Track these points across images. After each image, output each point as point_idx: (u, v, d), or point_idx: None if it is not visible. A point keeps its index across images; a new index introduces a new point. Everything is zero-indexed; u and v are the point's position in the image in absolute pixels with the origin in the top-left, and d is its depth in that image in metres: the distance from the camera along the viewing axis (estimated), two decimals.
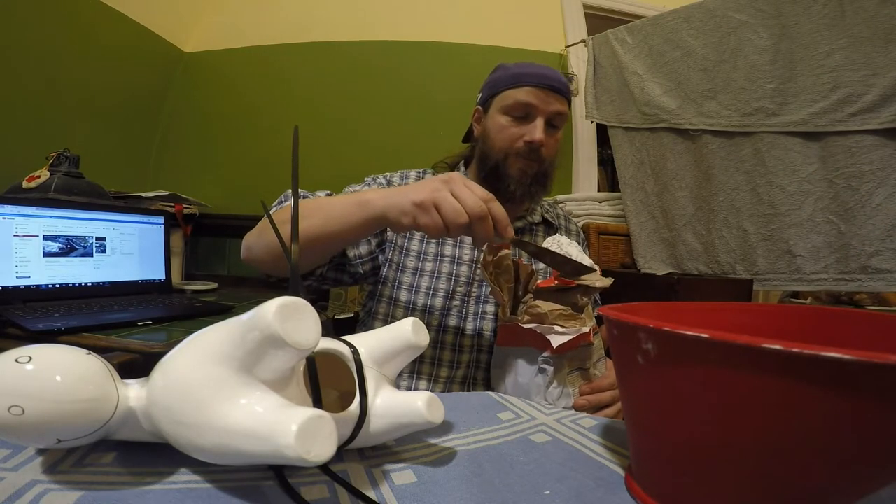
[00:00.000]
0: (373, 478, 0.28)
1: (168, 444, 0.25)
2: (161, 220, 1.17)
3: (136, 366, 0.64)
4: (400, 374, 0.63)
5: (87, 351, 0.24)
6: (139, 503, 0.23)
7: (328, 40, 1.62)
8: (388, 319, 0.69)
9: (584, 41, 1.49)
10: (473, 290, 0.69)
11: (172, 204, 1.32)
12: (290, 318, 0.21)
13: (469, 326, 0.68)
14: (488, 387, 0.63)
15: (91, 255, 1.01)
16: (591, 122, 1.49)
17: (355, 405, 0.28)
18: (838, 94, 1.17)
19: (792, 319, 0.37)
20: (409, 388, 0.66)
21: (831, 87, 1.18)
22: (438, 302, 0.68)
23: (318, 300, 1.34)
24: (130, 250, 1.09)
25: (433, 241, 0.72)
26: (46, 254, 0.93)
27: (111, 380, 0.24)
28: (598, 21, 1.62)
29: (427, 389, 0.66)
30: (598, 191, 1.57)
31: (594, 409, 0.51)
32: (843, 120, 1.17)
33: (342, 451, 0.30)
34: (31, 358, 0.22)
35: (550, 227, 0.81)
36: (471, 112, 0.79)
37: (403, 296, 0.68)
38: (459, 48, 1.59)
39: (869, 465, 0.20)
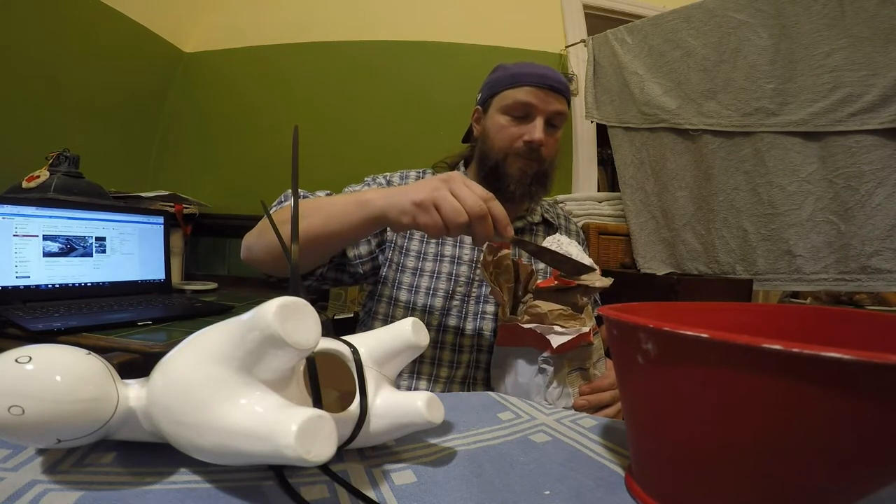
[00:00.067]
0: (373, 478, 0.28)
1: (168, 444, 0.25)
2: (161, 220, 1.17)
3: (136, 366, 0.64)
4: (400, 374, 0.63)
5: (87, 351, 0.24)
6: (139, 503, 0.23)
7: (328, 40, 1.62)
8: (388, 319, 0.69)
9: (584, 41, 1.49)
10: (473, 289, 0.69)
11: (172, 204, 1.32)
12: (290, 318, 0.21)
13: (469, 326, 0.68)
14: (488, 387, 0.63)
15: (91, 255, 1.01)
16: (591, 122, 1.49)
17: (355, 405, 0.28)
18: (838, 94, 1.17)
19: (792, 319, 0.37)
20: (409, 388, 0.66)
21: (831, 87, 1.18)
22: (438, 302, 0.68)
23: (318, 300, 1.34)
24: (130, 250, 1.09)
25: (433, 241, 0.72)
26: (46, 254, 0.93)
27: (111, 380, 0.24)
28: (598, 21, 1.62)
29: (427, 389, 0.66)
30: (598, 191, 1.57)
31: (594, 409, 0.51)
32: (843, 120, 1.17)
33: (342, 451, 0.30)
34: (31, 358, 0.22)
35: (550, 227, 0.81)
36: (470, 112, 0.79)
37: (403, 296, 0.68)
38: (459, 48, 1.59)
39: (869, 465, 0.20)
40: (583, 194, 1.51)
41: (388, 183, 0.75)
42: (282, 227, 0.54)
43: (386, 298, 0.69)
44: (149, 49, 1.52)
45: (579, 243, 0.82)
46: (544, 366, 0.50)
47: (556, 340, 0.48)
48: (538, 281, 0.55)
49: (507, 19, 1.62)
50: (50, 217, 0.94)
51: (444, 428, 0.36)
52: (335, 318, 1.20)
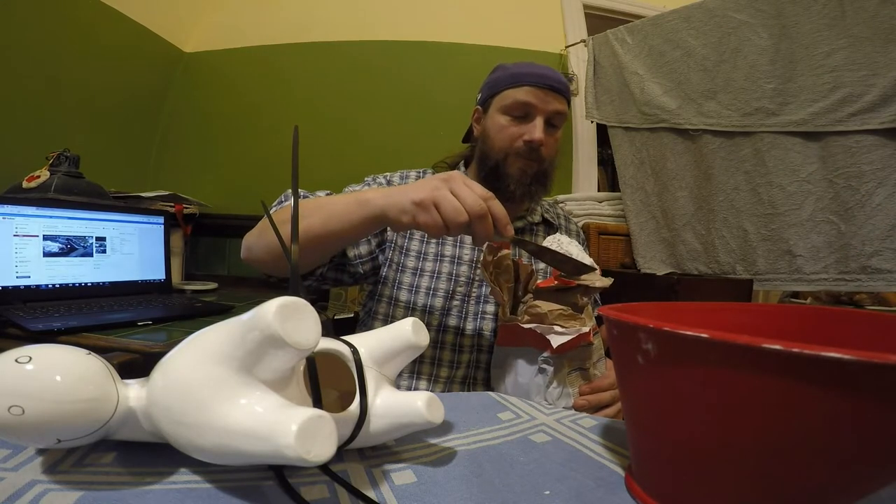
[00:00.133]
0: (373, 478, 0.28)
1: (168, 444, 0.25)
2: (161, 220, 1.17)
3: (136, 366, 0.64)
4: (400, 374, 0.63)
5: (87, 351, 0.24)
6: (139, 503, 0.23)
7: (328, 40, 1.62)
8: (388, 319, 0.69)
9: (584, 41, 1.48)
10: (473, 289, 0.69)
11: (172, 204, 1.32)
12: (290, 318, 0.21)
13: (469, 326, 0.68)
14: (488, 387, 0.63)
15: (91, 255, 1.01)
16: (591, 122, 1.49)
17: (355, 405, 0.28)
18: (838, 94, 1.17)
19: (792, 319, 0.37)
20: (409, 388, 0.66)
21: (831, 87, 1.18)
22: (438, 302, 0.68)
23: (318, 300, 1.34)
24: (130, 250, 1.09)
25: (433, 240, 0.72)
26: (46, 254, 0.93)
27: (111, 380, 0.24)
28: (598, 21, 1.62)
29: (427, 389, 0.66)
30: (598, 191, 1.57)
31: (594, 409, 0.51)
32: (843, 120, 1.17)
33: (342, 451, 0.30)
34: (31, 358, 0.22)
35: (550, 227, 0.81)
36: (470, 112, 0.79)
37: (403, 296, 0.68)
38: (459, 48, 1.59)
39: (869, 465, 0.20)
40: (583, 194, 1.51)
41: (389, 183, 0.75)
42: (282, 227, 0.54)
43: (386, 298, 0.69)
44: (149, 49, 1.52)
45: (579, 243, 0.82)
46: (544, 366, 0.50)
47: (556, 340, 0.48)
48: (538, 281, 0.55)
49: (507, 19, 1.62)
50: (50, 217, 0.94)
51: (444, 428, 0.36)
52: (335, 318, 1.20)
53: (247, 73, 1.64)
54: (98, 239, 1.02)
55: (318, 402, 0.27)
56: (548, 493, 0.27)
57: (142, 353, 0.67)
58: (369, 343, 0.32)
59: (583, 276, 0.51)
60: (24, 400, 0.21)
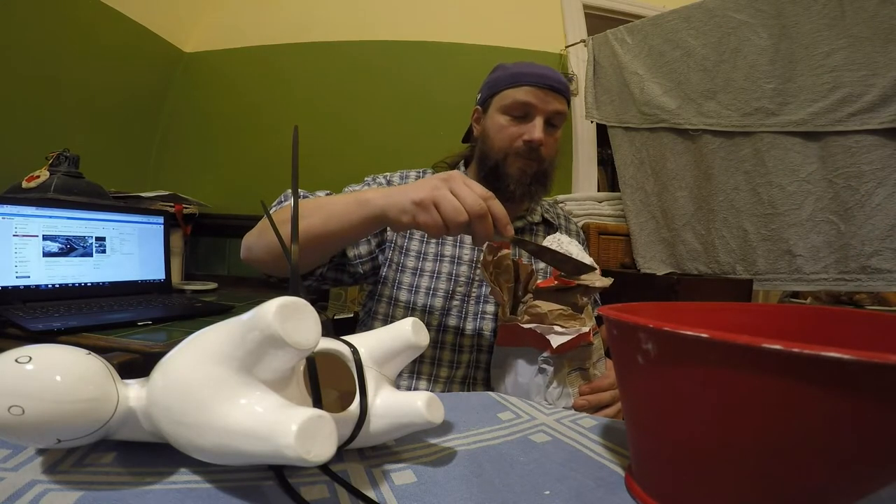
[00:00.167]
0: (373, 478, 0.28)
1: (168, 444, 0.25)
2: (161, 220, 1.17)
3: (136, 366, 0.64)
4: (400, 374, 0.63)
5: (87, 351, 0.24)
6: (139, 503, 0.23)
7: (328, 40, 1.62)
8: (388, 319, 0.69)
9: (583, 41, 1.48)
10: (473, 289, 0.69)
11: (172, 204, 1.32)
12: (290, 318, 0.21)
13: (469, 326, 0.68)
14: (488, 387, 0.63)
15: (91, 255, 1.01)
16: (591, 122, 1.49)
17: (355, 405, 0.28)
18: (838, 94, 1.17)
19: (792, 319, 0.37)
20: (409, 388, 0.66)
21: (831, 87, 1.18)
22: (438, 302, 0.68)
23: (318, 300, 1.34)
24: (130, 250, 1.09)
25: (433, 240, 0.72)
26: (46, 254, 0.93)
27: (111, 380, 0.24)
28: (598, 21, 1.62)
29: (427, 389, 0.66)
30: (598, 191, 1.57)
31: (594, 409, 0.51)
32: (843, 120, 1.17)
33: (342, 451, 0.30)
34: (31, 358, 0.22)
35: (550, 227, 0.81)
36: (470, 112, 0.79)
37: (403, 296, 0.68)
38: (459, 48, 1.59)
39: (869, 465, 0.20)
40: (583, 194, 1.51)
41: (389, 183, 0.75)
42: (282, 227, 0.54)
43: (386, 298, 0.69)
44: (149, 49, 1.52)
45: (579, 243, 0.82)
46: (544, 366, 0.50)
47: (556, 340, 0.48)
48: (538, 281, 0.55)
49: (507, 19, 1.62)
50: (50, 217, 0.94)
51: (444, 428, 0.36)
52: (335, 318, 1.20)
53: (247, 73, 1.64)
54: (98, 239, 1.02)
55: (318, 402, 0.27)
56: (548, 493, 0.27)
57: (142, 353, 0.67)
58: (369, 343, 0.32)
59: (583, 276, 0.51)
60: (24, 400, 0.21)
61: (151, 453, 0.27)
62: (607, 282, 0.51)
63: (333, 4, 1.64)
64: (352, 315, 1.21)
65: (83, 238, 1.00)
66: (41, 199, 0.96)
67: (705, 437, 0.23)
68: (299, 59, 1.62)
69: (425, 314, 0.68)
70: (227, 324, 0.24)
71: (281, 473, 0.26)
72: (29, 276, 0.90)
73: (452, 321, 0.68)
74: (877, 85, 1.14)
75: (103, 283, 1.02)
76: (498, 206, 0.46)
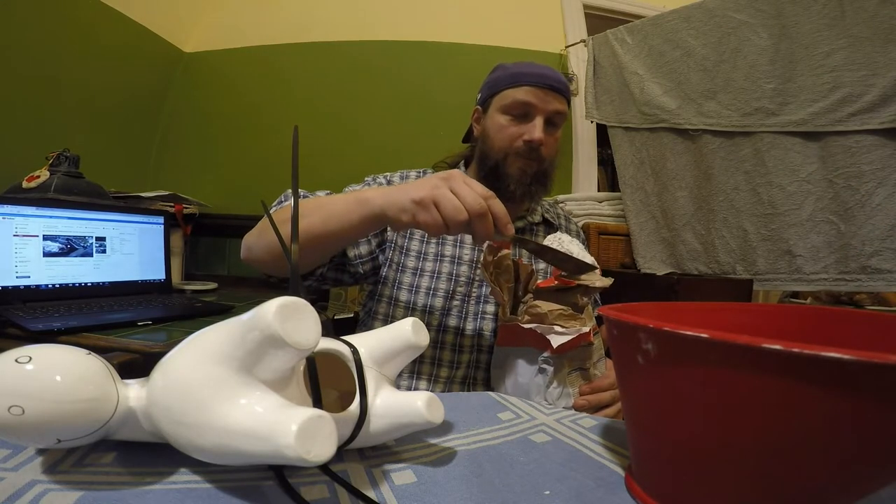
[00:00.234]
0: (373, 478, 0.28)
1: (168, 444, 0.25)
2: (161, 220, 1.17)
3: (136, 366, 0.64)
4: (400, 374, 0.63)
5: (87, 351, 0.24)
6: (139, 503, 0.23)
7: (328, 40, 1.62)
8: (388, 319, 0.69)
9: (584, 41, 1.48)
10: (473, 290, 0.69)
11: (172, 204, 1.32)
12: (290, 318, 0.21)
13: (469, 326, 0.68)
14: (488, 387, 0.63)
15: (91, 255, 1.01)
16: (591, 122, 1.49)
17: (355, 405, 0.28)
18: (838, 94, 1.17)
19: (792, 319, 0.37)
20: (409, 388, 0.66)
21: (831, 87, 1.18)
22: (438, 302, 0.68)
23: (318, 300, 1.34)
24: (130, 250, 1.09)
25: (433, 241, 0.72)
26: (46, 254, 0.93)
27: (111, 380, 0.24)
28: (598, 21, 1.62)
29: (427, 389, 0.66)
30: (598, 191, 1.57)
31: (594, 409, 0.51)
32: (843, 120, 1.17)
33: (342, 451, 0.30)
34: (31, 358, 0.22)
35: (551, 227, 0.81)
36: (470, 112, 0.79)
37: (403, 296, 0.68)
38: (459, 48, 1.59)
39: (869, 465, 0.20)
40: (583, 194, 1.51)
41: (389, 183, 0.75)
42: (282, 226, 0.54)
43: (386, 298, 0.69)
44: (149, 49, 1.52)
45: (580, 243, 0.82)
46: (544, 366, 0.50)
47: (556, 340, 0.48)
48: (538, 281, 0.55)
49: (507, 19, 1.62)
50: (50, 217, 0.94)
51: (444, 428, 0.36)
52: (335, 318, 1.20)
53: (247, 73, 1.64)
54: (98, 239, 1.02)
55: (318, 402, 0.27)
56: (548, 493, 0.27)
57: (142, 353, 0.67)
58: (369, 343, 0.32)
59: (583, 276, 0.51)
60: (24, 400, 0.21)
61: (151, 453, 0.27)
62: (607, 282, 0.51)
63: (333, 4, 1.64)
64: (352, 315, 1.21)
65: (83, 238, 1.00)
66: (41, 199, 0.96)
67: (705, 437, 0.23)
68: (299, 59, 1.62)
69: (425, 314, 0.68)
70: (227, 324, 0.24)
71: (281, 473, 0.26)
72: (29, 276, 0.90)
73: (453, 321, 0.68)
74: (877, 85, 1.14)
75: (103, 283, 1.02)
76: (498, 205, 0.46)
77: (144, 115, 1.58)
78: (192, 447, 0.23)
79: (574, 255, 0.51)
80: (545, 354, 0.50)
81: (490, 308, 0.69)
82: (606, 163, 1.68)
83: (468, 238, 0.72)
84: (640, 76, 1.37)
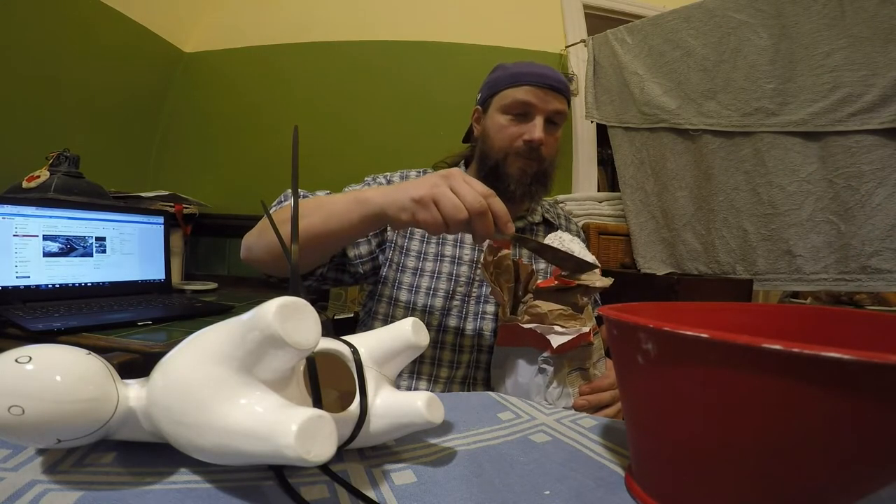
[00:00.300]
0: (373, 478, 0.28)
1: (168, 444, 0.25)
2: (161, 220, 1.17)
3: (136, 366, 0.64)
4: (400, 374, 0.63)
5: (87, 351, 0.24)
6: (139, 503, 0.23)
7: (328, 40, 1.62)
8: (388, 319, 0.69)
9: (584, 41, 1.49)
10: (473, 290, 0.69)
11: (172, 204, 1.32)
12: (290, 318, 0.21)
13: (469, 326, 0.68)
14: (488, 387, 0.63)
15: (91, 255, 1.01)
16: (591, 122, 1.49)
17: (355, 405, 0.28)
18: (838, 94, 1.17)
19: (792, 319, 0.37)
20: (409, 388, 0.66)
21: (831, 87, 1.18)
22: (438, 302, 0.68)
23: (318, 300, 1.34)
24: (130, 250, 1.09)
25: (433, 241, 0.72)
26: (46, 254, 0.93)
27: (111, 380, 0.24)
28: (598, 21, 1.62)
29: (427, 389, 0.66)
30: (598, 191, 1.57)
31: (594, 409, 0.51)
32: (843, 120, 1.17)
33: (342, 451, 0.30)
34: (31, 358, 0.22)
35: (551, 227, 0.81)
36: (470, 112, 0.79)
37: (403, 296, 0.68)
38: (459, 48, 1.59)
39: (869, 465, 0.20)
40: (583, 194, 1.51)
41: (389, 182, 0.75)
42: (282, 226, 0.54)
43: (386, 298, 0.69)
44: (149, 49, 1.52)
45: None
46: (544, 366, 0.50)
47: (556, 340, 0.48)
48: (538, 281, 0.55)
49: (507, 19, 1.62)
50: (50, 217, 0.94)
51: (444, 428, 0.36)
52: (335, 318, 1.20)
53: (247, 73, 1.64)
54: (98, 239, 1.02)
55: (318, 402, 0.27)
56: (548, 493, 0.27)
57: (142, 353, 0.67)
58: (369, 343, 0.32)
59: (583, 276, 0.51)
60: (24, 400, 0.21)
61: (151, 453, 0.27)
62: (607, 282, 0.51)
63: (333, 4, 1.64)
64: (352, 315, 1.21)
65: (83, 238, 1.00)
66: (41, 199, 0.96)
67: (705, 437, 0.23)
68: (299, 59, 1.62)
69: (425, 314, 0.68)
70: (227, 324, 0.24)
71: (281, 473, 0.26)
72: (29, 276, 0.90)
73: (453, 321, 0.68)
74: (877, 85, 1.14)
75: (103, 283, 1.02)
76: (498, 204, 0.46)
77: (144, 115, 1.58)
78: (192, 447, 0.23)
79: (575, 254, 0.51)
80: (545, 354, 0.50)
81: (490, 308, 0.69)
82: (606, 163, 1.68)
83: (468, 238, 0.72)
84: (640, 76, 1.37)
